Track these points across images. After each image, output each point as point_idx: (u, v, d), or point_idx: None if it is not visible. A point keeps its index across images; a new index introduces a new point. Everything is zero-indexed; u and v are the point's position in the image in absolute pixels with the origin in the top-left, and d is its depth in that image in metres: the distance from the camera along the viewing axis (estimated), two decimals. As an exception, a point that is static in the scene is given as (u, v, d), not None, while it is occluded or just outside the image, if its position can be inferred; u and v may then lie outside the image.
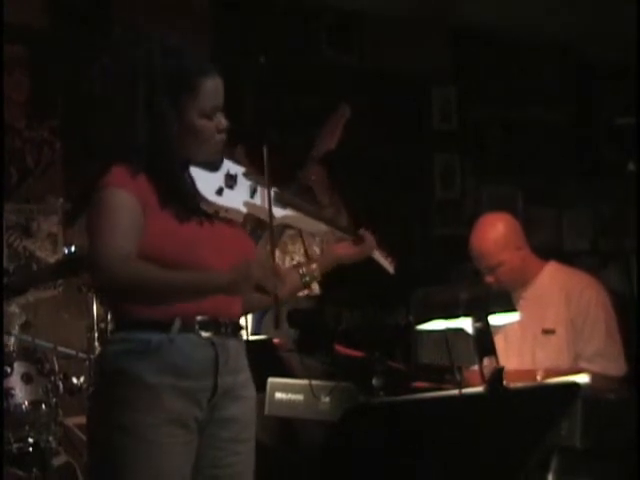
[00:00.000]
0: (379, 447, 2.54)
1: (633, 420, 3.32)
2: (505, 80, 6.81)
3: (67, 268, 4.33)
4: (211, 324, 2.70)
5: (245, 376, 2.81)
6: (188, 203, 2.71)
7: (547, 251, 4.33)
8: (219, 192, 2.75)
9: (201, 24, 5.90)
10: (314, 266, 3.01)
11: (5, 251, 5.02)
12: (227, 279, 2.60)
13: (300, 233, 3.48)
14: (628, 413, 3.37)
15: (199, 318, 2.68)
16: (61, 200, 5.30)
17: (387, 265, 3.12)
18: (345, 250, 3.06)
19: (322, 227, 3.00)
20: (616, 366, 3.96)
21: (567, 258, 4.67)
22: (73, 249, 4.41)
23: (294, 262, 4.68)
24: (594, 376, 3.81)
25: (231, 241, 2.77)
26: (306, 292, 4.60)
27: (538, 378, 3.85)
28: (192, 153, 2.74)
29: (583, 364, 3.95)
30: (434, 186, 6.81)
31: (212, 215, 2.75)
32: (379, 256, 3.11)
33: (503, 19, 6.45)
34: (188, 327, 2.66)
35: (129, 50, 2.75)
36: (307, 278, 2.99)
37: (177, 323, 2.64)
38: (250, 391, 2.82)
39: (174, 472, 2.64)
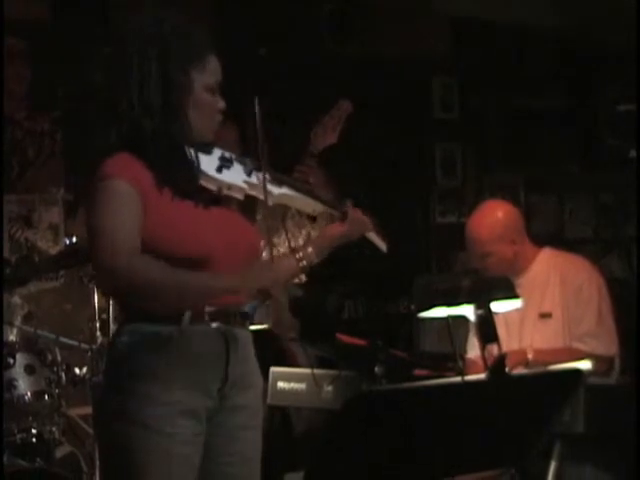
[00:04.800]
0: (381, 435, 2.54)
1: (636, 406, 3.33)
2: (505, 68, 6.80)
3: (69, 259, 4.33)
4: (221, 314, 2.69)
5: (253, 364, 2.81)
6: (189, 180, 2.68)
7: (548, 239, 4.33)
8: (219, 170, 2.73)
9: (201, 14, 5.89)
10: (310, 249, 2.96)
11: (6, 242, 5.02)
12: (234, 283, 2.62)
13: (283, 224, 3.44)
14: (631, 399, 3.37)
15: (209, 309, 2.67)
16: (62, 191, 5.31)
17: (380, 243, 3.09)
18: (339, 229, 3.01)
19: (318, 206, 2.96)
20: (606, 346, 3.97)
21: (569, 246, 4.67)
22: (74, 240, 4.40)
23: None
24: (585, 356, 3.84)
25: (234, 228, 2.77)
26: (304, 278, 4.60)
27: (529, 357, 3.86)
28: (194, 128, 2.73)
29: (574, 344, 3.96)
30: (435, 175, 6.81)
31: (214, 193, 2.72)
32: (373, 236, 3.08)
33: (503, 7, 6.44)
34: (198, 318, 2.65)
35: (141, 30, 2.75)
36: (304, 262, 2.94)
37: (187, 315, 2.63)
38: (257, 379, 2.83)
39: (185, 463, 2.64)
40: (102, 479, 3.76)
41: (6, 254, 4.85)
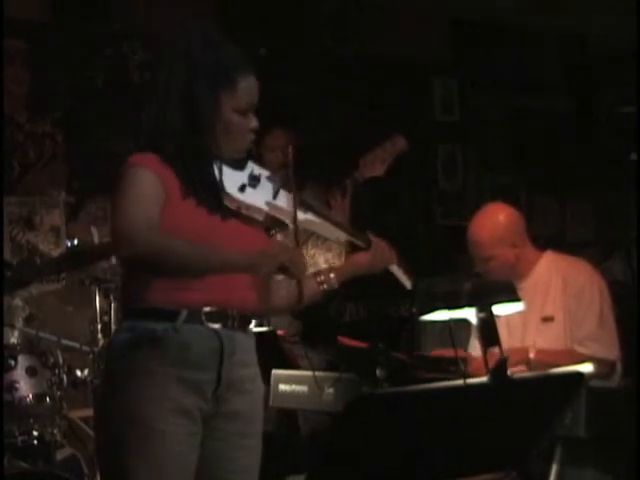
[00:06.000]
0: (382, 438, 2.54)
1: (637, 409, 3.33)
2: (506, 69, 6.80)
3: (70, 261, 4.33)
4: (218, 315, 2.69)
5: (253, 370, 2.80)
6: (212, 196, 2.72)
7: (550, 242, 4.32)
8: (242, 189, 2.77)
9: (202, 12, 5.90)
10: (332, 275, 3.01)
11: (8, 244, 5.03)
12: (253, 257, 2.64)
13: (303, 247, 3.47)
14: (632, 402, 3.37)
15: (206, 309, 2.68)
16: (63, 193, 5.31)
17: (404, 279, 3.14)
18: (363, 258, 3.07)
19: (341, 235, 3.02)
20: (607, 350, 3.96)
21: (570, 249, 4.67)
22: (76, 242, 4.41)
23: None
24: (586, 359, 3.84)
25: (249, 238, 2.77)
26: None
27: (531, 356, 3.85)
28: (222, 148, 2.75)
29: (575, 347, 3.96)
30: (436, 176, 6.81)
31: (233, 211, 2.76)
32: (397, 270, 3.12)
33: (504, 7, 6.44)
34: (194, 318, 2.66)
35: (172, 43, 2.76)
36: (325, 286, 3.00)
37: (184, 313, 2.64)
38: (257, 385, 2.82)
39: (179, 462, 2.65)
40: (100, 476, 3.76)
41: (7, 256, 4.85)
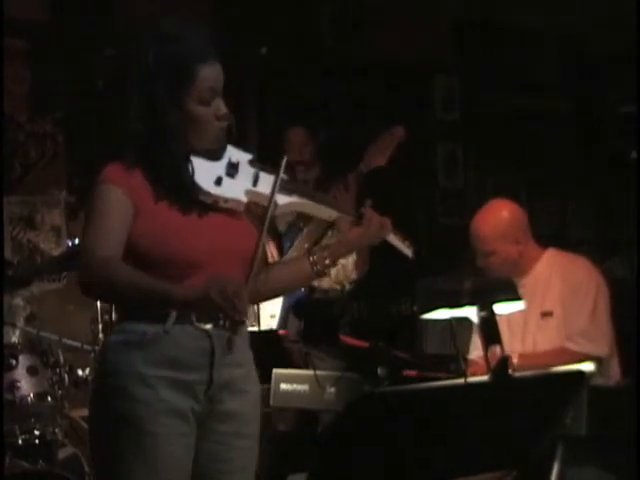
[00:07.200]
0: (383, 437, 2.54)
1: (638, 408, 3.33)
2: (507, 68, 6.80)
3: (71, 260, 4.33)
4: (209, 316, 2.68)
5: (247, 370, 2.78)
6: (185, 195, 2.70)
7: (550, 241, 4.32)
8: (218, 182, 2.72)
9: (201, 12, 5.90)
10: (325, 254, 2.88)
11: (9, 244, 5.03)
12: (183, 297, 2.56)
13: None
14: (633, 401, 3.37)
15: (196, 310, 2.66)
16: (64, 192, 5.31)
17: (405, 249, 2.96)
18: (355, 233, 2.90)
19: (332, 213, 2.90)
20: (597, 346, 3.95)
21: (571, 247, 4.67)
22: (77, 241, 4.41)
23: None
24: (575, 357, 3.84)
25: (231, 231, 2.75)
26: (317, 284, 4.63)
27: (514, 361, 3.85)
28: (192, 142, 2.72)
29: (565, 343, 3.96)
30: (437, 175, 6.81)
31: (211, 206, 2.72)
32: (395, 239, 2.95)
33: (504, 7, 6.44)
34: (185, 318, 2.64)
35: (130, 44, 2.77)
36: (318, 267, 2.87)
37: (173, 315, 2.60)
38: (252, 385, 2.80)
39: (173, 463, 2.64)
40: (95, 477, 3.77)
41: (8, 255, 4.85)
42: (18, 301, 4.72)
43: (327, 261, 2.88)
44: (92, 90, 5.41)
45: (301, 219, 4.66)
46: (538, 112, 6.91)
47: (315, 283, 4.63)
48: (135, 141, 2.70)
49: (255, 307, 4.61)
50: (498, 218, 4.12)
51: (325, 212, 2.90)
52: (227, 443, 2.73)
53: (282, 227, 4.89)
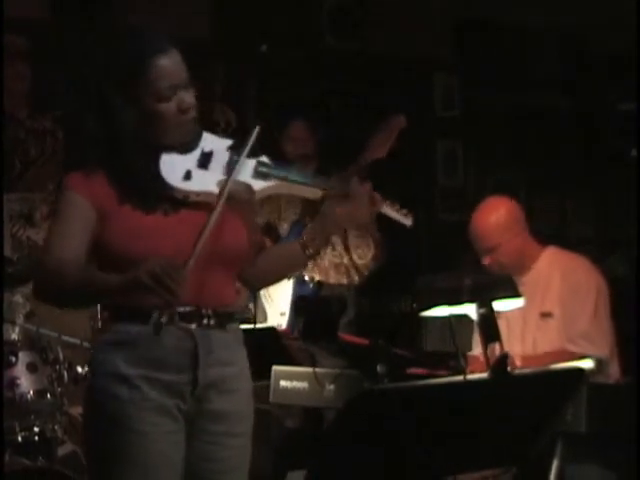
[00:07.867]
0: (383, 434, 2.54)
1: (637, 405, 3.33)
2: (507, 66, 6.80)
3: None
4: (192, 315, 2.66)
5: (237, 368, 2.75)
6: (149, 195, 2.66)
7: (551, 239, 4.33)
8: (187, 176, 2.64)
9: (201, 11, 5.90)
10: (313, 234, 2.77)
11: (8, 241, 5.02)
12: (117, 284, 2.56)
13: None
14: (633, 398, 3.37)
15: (180, 309, 2.63)
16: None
17: (402, 218, 2.83)
18: (341, 210, 2.73)
19: (316, 191, 2.74)
20: (598, 348, 3.96)
21: (571, 246, 4.67)
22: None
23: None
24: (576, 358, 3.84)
25: (197, 227, 2.62)
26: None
27: (517, 364, 3.85)
28: (159, 139, 2.66)
29: (566, 345, 3.96)
30: (437, 173, 6.81)
31: (181, 202, 2.66)
32: (390, 211, 2.81)
33: (504, 7, 6.44)
34: (168, 318, 2.61)
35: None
36: (310, 250, 2.77)
37: (155, 315, 2.59)
38: (243, 384, 2.77)
39: (162, 460, 2.64)
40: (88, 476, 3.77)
41: (8, 253, 4.84)
42: (18, 298, 4.71)
43: (317, 241, 2.76)
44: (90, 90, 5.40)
45: (306, 215, 4.64)
46: (538, 111, 6.91)
47: (322, 278, 4.63)
48: (94, 145, 2.68)
49: (262, 305, 4.62)
50: (498, 213, 4.14)
51: (307, 191, 2.76)
52: (219, 443, 2.71)
53: (284, 228, 4.88)
